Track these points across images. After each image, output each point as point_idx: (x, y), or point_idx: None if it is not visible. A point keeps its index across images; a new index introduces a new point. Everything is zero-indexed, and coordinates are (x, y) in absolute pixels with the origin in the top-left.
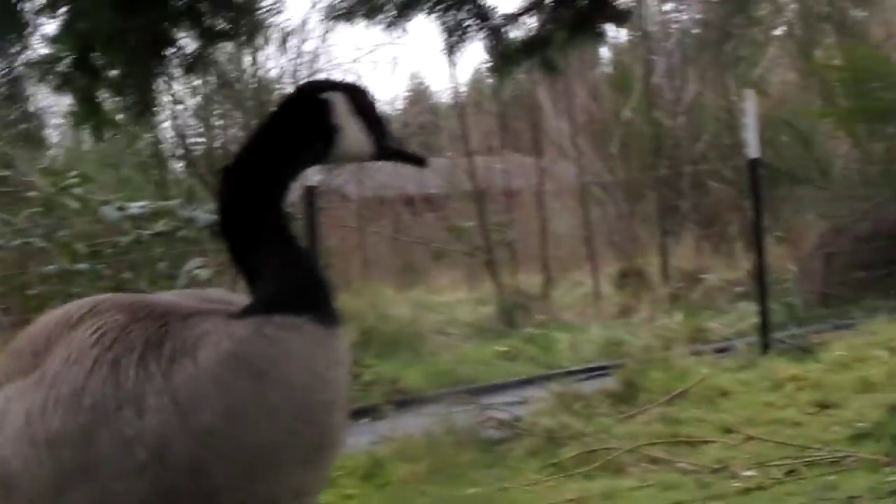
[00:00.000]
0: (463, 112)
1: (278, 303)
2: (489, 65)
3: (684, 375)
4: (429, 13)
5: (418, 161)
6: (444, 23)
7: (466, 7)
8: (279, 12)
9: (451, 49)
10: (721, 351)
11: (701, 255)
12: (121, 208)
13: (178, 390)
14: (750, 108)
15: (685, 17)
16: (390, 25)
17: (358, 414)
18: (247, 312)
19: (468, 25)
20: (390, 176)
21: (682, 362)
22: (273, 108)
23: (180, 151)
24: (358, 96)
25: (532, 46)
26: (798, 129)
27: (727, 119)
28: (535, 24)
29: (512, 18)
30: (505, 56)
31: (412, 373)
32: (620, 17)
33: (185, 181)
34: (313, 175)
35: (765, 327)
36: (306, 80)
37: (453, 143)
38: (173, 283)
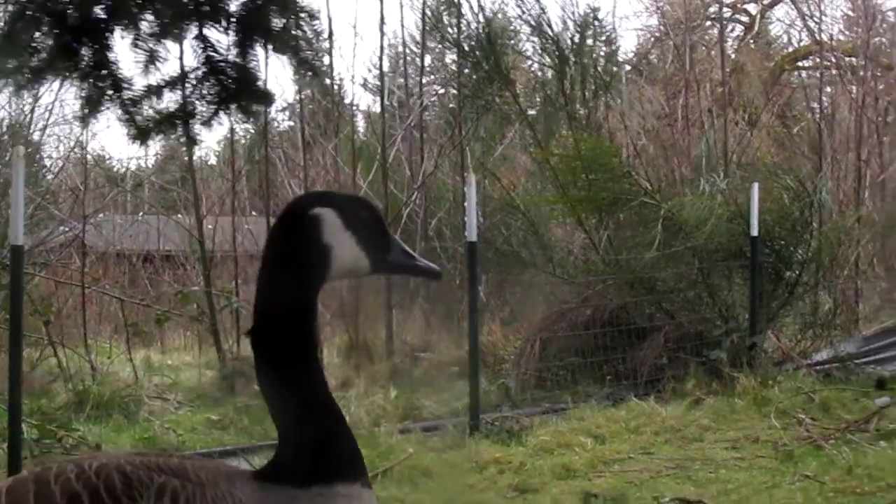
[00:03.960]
0: (192, 172)
1: (329, 468)
2: (127, 134)
3: (390, 453)
4: (62, 80)
5: (429, 274)
6: (79, 91)
7: (101, 77)
8: None
9: (84, 119)
10: (431, 430)
11: (429, 330)
12: None
13: None
14: (471, 192)
15: (428, 93)
16: (20, 89)
17: None
18: (291, 477)
19: (103, 95)
20: (130, 231)
21: (389, 439)
22: (273, 228)
23: None
24: (351, 210)
25: (173, 119)
26: (528, 214)
27: (461, 198)
28: (178, 98)
29: (153, 91)
30: (143, 128)
31: (121, 438)
32: (264, 98)
33: None
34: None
35: (475, 408)
36: (303, 193)
37: (204, 203)
38: None
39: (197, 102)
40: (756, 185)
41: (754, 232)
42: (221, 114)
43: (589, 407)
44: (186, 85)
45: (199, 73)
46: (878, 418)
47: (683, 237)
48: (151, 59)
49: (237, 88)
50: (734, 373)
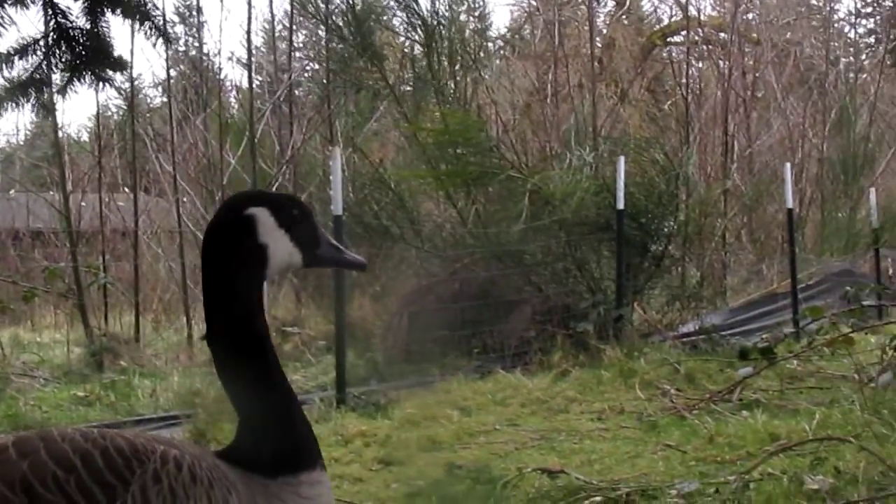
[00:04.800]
0: (59, 146)
1: (293, 459)
2: None
3: None
4: None
5: (356, 266)
6: None
7: None
8: None
9: None
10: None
11: (299, 305)
12: None
13: None
14: (336, 166)
15: (300, 69)
16: None
17: None
18: (259, 467)
19: None
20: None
21: None
22: (210, 230)
23: None
24: (283, 208)
25: (26, 87)
26: (397, 188)
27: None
28: (31, 66)
29: (2, 59)
30: None
31: None
32: (118, 65)
33: None
34: None
35: (341, 382)
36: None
37: (70, 179)
38: None
39: (48, 70)
40: (622, 159)
41: (620, 205)
42: (76, 81)
43: (456, 380)
44: (38, 53)
45: (50, 40)
46: (740, 388)
47: (551, 211)
48: None
49: (89, 55)
50: (601, 345)
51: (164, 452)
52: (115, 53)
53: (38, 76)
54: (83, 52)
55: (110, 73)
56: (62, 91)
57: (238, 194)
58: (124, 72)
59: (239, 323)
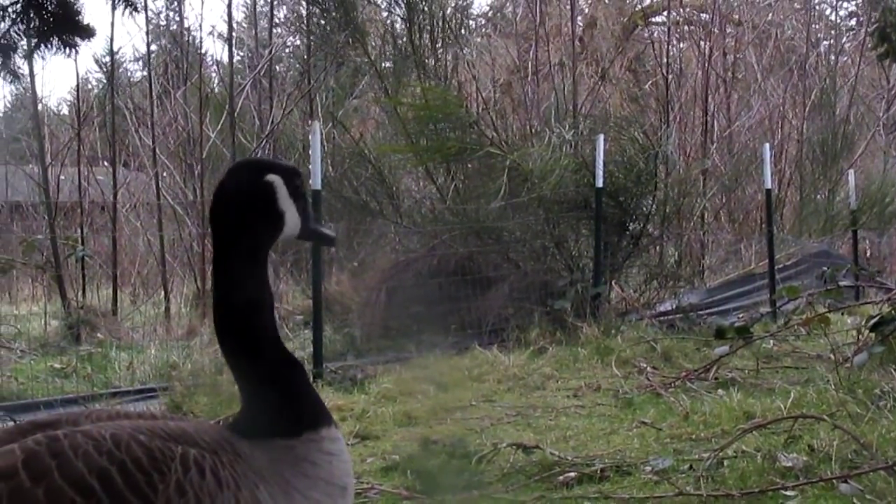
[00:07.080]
0: (37, 118)
1: (310, 418)
2: None
3: (232, 401)
4: None
5: (329, 241)
6: None
7: None
8: None
9: None
10: None
11: (277, 280)
12: None
13: None
14: (315, 140)
15: (280, 44)
16: None
17: None
18: (279, 430)
19: None
20: None
21: (231, 388)
22: (226, 195)
23: None
24: (291, 178)
25: None
26: (375, 163)
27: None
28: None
29: None
30: None
31: None
32: (85, 32)
33: None
34: None
35: (318, 356)
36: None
37: (49, 152)
38: None
39: (17, 36)
40: (601, 137)
41: (599, 183)
42: (43, 46)
43: (433, 356)
44: (6, 19)
45: (20, 6)
46: (716, 367)
47: (529, 188)
48: None
49: (57, 22)
50: (578, 322)
51: (183, 455)
52: (84, 21)
53: (4, 42)
54: (51, 19)
55: (77, 39)
56: (29, 56)
57: (248, 161)
58: (91, 39)
59: (253, 286)
